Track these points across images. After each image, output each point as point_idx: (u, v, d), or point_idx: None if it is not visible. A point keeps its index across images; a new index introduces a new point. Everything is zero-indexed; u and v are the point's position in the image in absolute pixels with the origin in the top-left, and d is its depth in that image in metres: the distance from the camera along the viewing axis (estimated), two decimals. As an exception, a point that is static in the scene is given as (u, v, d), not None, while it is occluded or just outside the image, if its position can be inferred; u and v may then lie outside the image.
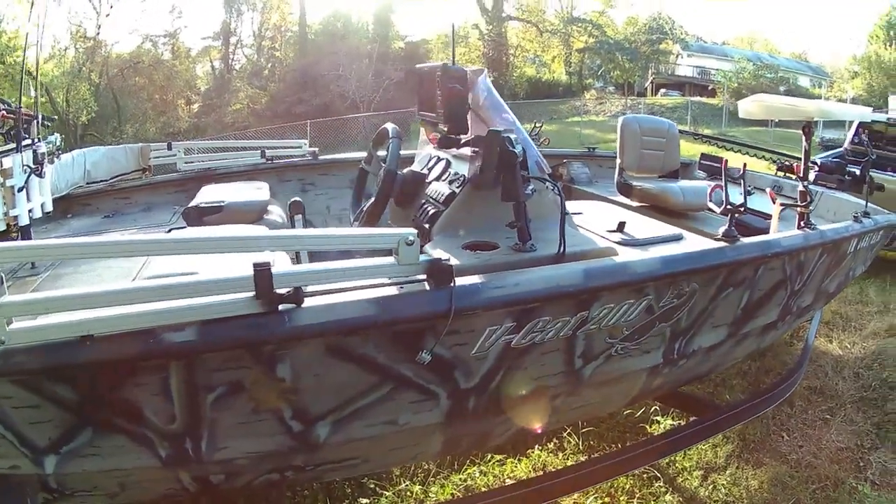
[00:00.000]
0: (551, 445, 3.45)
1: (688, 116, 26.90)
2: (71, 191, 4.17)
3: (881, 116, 8.65)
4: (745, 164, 2.98)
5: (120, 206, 4.46)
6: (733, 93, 31.90)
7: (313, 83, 30.21)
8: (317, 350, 1.99)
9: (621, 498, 3.10)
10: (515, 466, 3.31)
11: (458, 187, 2.73)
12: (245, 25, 34.18)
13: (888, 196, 5.03)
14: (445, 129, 2.87)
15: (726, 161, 2.97)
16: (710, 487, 3.26)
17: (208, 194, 3.69)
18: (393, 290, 2.02)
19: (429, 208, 2.76)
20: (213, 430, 2.03)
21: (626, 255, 2.52)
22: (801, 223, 3.11)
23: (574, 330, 2.32)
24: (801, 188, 3.18)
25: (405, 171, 3.05)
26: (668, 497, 3.14)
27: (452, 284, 2.00)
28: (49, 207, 3.65)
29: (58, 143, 4.09)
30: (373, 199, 2.90)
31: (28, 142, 3.53)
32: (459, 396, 2.25)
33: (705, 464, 3.44)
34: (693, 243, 2.84)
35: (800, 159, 3.56)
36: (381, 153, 3.10)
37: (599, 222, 2.98)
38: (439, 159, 3.15)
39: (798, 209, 3.15)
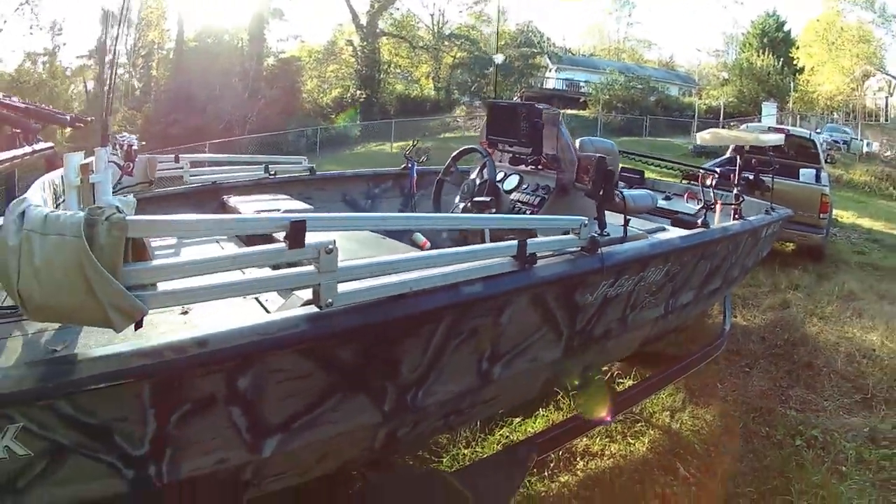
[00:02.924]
0: (552, 407, 4.38)
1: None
2: None
3: (761, 124, 10.32)
4: (713, 176, 4.22)
5: None
6: (605, 104, 34.17)
7: (186, 104, 29.95)
8: (530, 299, 2.61)
9: (617, 437, 4.09)
10: (533, 424, 4.18)
11: (545, 194, 3.73)
12: (120, 42, 33.50)
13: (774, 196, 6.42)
14: (528, 150, 3.94)
15: (703, 175, 4.20)
16: (678, 423, 4.32)
17: (249, 206, 3.83)
18: (568, 256, 2.74)
19: (525, 210, 3.72)
20: (438, 374, 2.39)
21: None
22: (736, 216, 4.33)
23: (635, 285, 3.18)
24: (735, 192, 4.43)
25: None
26: (650, 432, 4.17)
27: (601, 251, 2.80)
28: None
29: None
30: (472, 202, 3.87)
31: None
32: (571, 336, 2.94)
33: (669, 407, 4.51)
34: (678, 230, 3.90)
35: (697, 168, 4.85)
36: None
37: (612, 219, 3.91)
38: (507, 175, 4.15)
39: (733, 206, 4.39)
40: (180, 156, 5.08)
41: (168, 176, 4.86)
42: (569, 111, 33.99)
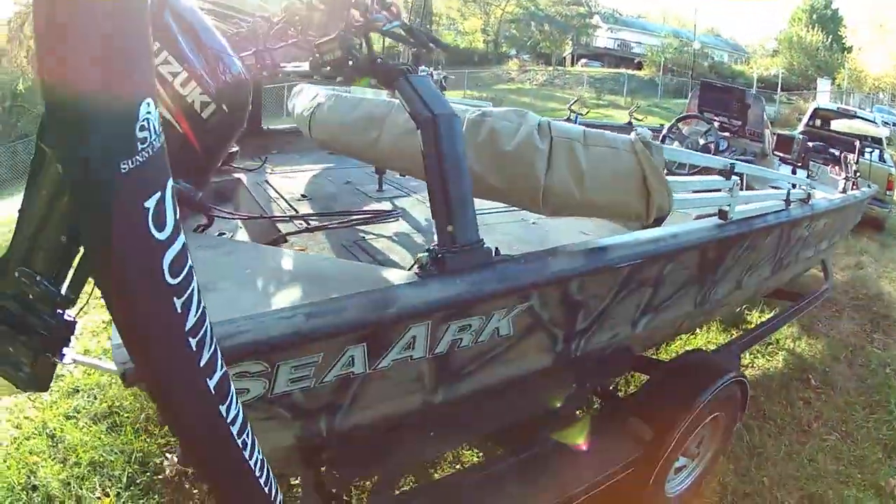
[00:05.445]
0: (705, 329, 5.58)
1: (624, 89, 28.75)
2: None
3: (831, 105, 11.18)
4: (852, 157, 5.30)
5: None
6: (661, 67, 34.11)
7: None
8: (780, 231, 3.23)
9: (759, 356, 5.32)
10: (696, 340, 5.40)
11: (752, 157, 4.81)
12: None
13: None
14: (739, 123, 5.01)
15: (844, 156, 5.27)
16: (800, 348, 5.57)
17: None
18: (795, 203, 3.34)
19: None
20: (723, 279, 2.95)
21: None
22: (853, 187, 5.24)
23: (812, 230, 3.88)
24: (854, 168, 5.42)
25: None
26: (781, 353, 5.41)
27: (811, 202, 3.50)
28: None
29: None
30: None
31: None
32: (777, 261, 3.57)
33: (790, 336, 5.74)
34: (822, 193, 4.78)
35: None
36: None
37: None
38: (718, 138, 5.10)
39: (851, 180, 5.32)
40: None
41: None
42: (632, 71, 34.01)
